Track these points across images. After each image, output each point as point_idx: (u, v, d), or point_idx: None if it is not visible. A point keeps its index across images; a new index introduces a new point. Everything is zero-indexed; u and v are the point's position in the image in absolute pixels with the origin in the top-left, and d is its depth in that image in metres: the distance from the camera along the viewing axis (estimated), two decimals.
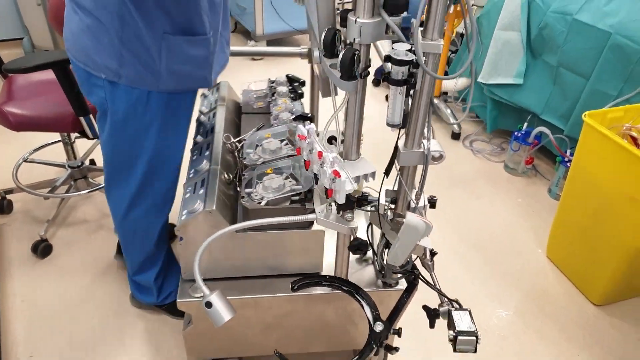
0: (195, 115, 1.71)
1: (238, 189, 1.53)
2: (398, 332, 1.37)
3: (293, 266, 1.52)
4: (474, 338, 1.15)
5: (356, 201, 1.24)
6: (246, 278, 1.52)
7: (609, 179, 1.91)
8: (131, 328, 1.91)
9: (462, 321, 1.18)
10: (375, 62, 2.73)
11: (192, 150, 1.74)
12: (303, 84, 2.02)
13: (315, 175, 1.22)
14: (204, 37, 1.42)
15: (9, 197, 2.45)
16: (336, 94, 1.25)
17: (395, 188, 1.31)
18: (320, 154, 1.15)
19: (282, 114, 1.76)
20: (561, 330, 1.99)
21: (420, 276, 1.37)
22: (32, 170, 2.61)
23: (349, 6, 1.10)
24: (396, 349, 1.39)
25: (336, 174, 1.11)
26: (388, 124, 1.12)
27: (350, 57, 1.03)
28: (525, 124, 2.83)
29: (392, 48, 1.04)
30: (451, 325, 1.18)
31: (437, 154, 1.16)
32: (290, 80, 2.01)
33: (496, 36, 2.80)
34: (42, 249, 2.19)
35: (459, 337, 1.14)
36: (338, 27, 1.14)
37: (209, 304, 1.16)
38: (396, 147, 1.20)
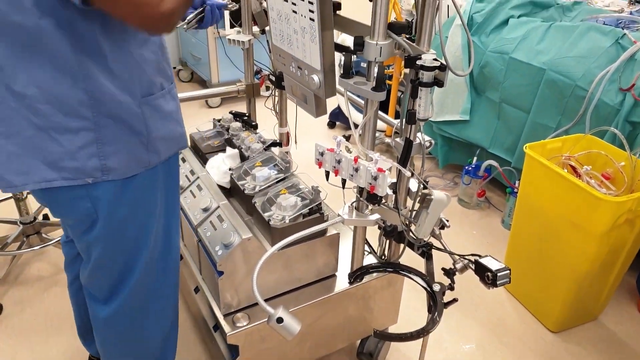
0: None
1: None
2: (451, 287, 1.47)
3: (314, 273, 1.67)
4: (509, 271, 1.35)
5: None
6: (273, 298, 1.62)
7: (552, 207, 1.99)
8: None
9: (491, 264, 1.37)
10: (330, 106, 2.77)
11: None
12: (248, 116, 2.14)
13: (343, 179, 1.38)
14: (171, 86, 1.26)
15: None
16: (323, 114, 1.48)
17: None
18: (356, 159, 1.31)
19: (253, 145, 1.88)
20: (520, 359, 2.02)
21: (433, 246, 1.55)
22: None
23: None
24: (455, 300, 1.45)
25: (381, 170, 1.27)
26: (420, 119, 1.33)
27: (382, 73, 1.27)
28: (475, 158, 2.93)
29: (419, 57, 1.24)
30: (483, 269, 1.37)
31: (428, 143, 1.43)
32: (236, 115, 2.11)
33: None
34: None
35: (499, 274, 1.34)
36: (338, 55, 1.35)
37: (280, 320, 1.18)
38: (410, 141, 1.36)
